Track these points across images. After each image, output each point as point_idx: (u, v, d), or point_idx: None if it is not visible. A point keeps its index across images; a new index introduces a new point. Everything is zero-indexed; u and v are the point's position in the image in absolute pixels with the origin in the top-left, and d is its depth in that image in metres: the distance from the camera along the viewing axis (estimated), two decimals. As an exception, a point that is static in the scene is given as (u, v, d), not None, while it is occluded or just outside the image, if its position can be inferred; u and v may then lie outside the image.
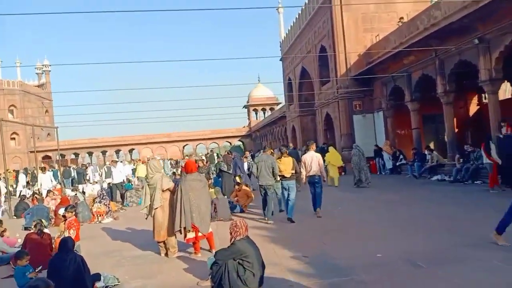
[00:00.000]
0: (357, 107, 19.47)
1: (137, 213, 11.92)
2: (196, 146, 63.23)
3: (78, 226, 7.18)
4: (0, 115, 50.87)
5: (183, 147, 62.91)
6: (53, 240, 6.59)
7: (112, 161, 18.81)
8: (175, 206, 6.12)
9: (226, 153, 16.39)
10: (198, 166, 13.59)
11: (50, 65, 59.98)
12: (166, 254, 6.32)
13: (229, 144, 63.07)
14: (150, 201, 6.34)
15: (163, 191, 6.27)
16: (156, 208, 6.21)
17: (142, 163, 20.96)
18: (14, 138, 53.08)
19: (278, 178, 8.50)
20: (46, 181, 16.77)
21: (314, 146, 9.12)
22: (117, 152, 60.73)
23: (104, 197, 11.78)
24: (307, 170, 8.63)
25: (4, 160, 14.16)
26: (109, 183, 17.91)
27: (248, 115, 63.86)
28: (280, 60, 32.14)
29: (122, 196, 14.14)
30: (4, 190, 15.69)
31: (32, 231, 6.87)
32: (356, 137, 18.88)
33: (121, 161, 31.29)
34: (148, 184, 6.42)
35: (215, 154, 25.62)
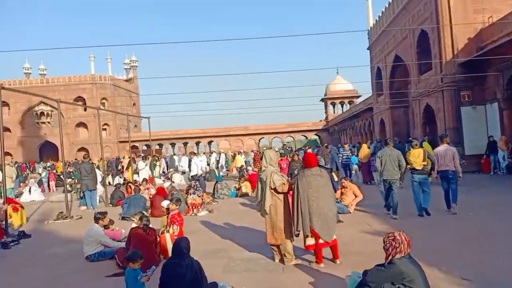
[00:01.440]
0: (465, 98, 17.19)
1: (231, 206, 11.48)
2: (272, 139, 62.96)
3: (182, 221, 6.65)
4: (94, 106, 55.17)
5: (259, 140, 63.04)
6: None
7: (191, 152, 18.74)
8: (292, 205, 5.25)
9: (324, 146, 15.36)
10: (292, 159, 12.73)
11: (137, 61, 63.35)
12: (281, 261, 5.49)
13: (305, 138, 61.90)
14: (261, 197, 5.54)
15: (272, 188, 5.41)
16: (267, 206, 5.38)
17: (238, 153, 20.70)
18: (105, 129, 56.87)
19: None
20: (143, 170, 17.07)
21: (447, 140, 8.56)
22: (197, 143, 62.56)
23: (198, 188, 11.41)
24: (440, 164, 8.14)
25: (102, 148, 14.55)
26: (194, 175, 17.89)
27: (326, 108, 62.15)
28: (368, 49, 30.13)
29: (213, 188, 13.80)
30: (100, 178, 16.25)
31: (136, 225, 6.49)
32: (464, 132, 16.71)
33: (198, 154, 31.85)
34: (260, 178, 5.62)
35: (289, 148, 24.78)
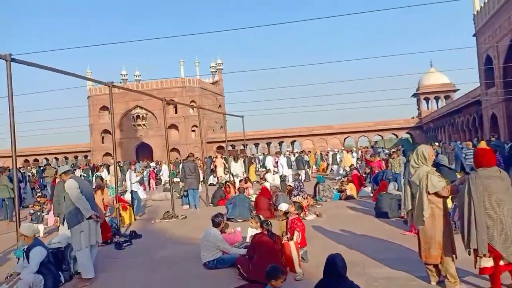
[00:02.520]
0: None
1: (337, 210, 10.51)
2: (358, 138, 60.38)
3: (304, 227, 5.90)
4: (184, 109, 57.76)
5: (344, 139, 60.84)
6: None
7: (276, 152, 18.02)
8: (460, 214, 4.18)
9: (442, 144, 13.76)
10: (391, 157, 11.40)
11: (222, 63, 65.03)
12: (440, 284, 4.45)
13: (394, 136, 58.30)
14: (412, 206, 4.55)
15: (429, 194, 4.38)
16: (426, 216, 4.36)
17: (347, 151, 19.65)
18: (194, 130, 59.17)
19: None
20: (238, 169, 16.86)
21: None
22: (280, 143, 62.27)
23: (302, 189, 10.68)
24: None
25: (203, 148, 14.55)
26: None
27: (418, 104, 57.99)
28: (474, 35, 26.98)
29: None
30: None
31: (258, 231, 5.89)
32: None
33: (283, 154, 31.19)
34: (408, 181, 4.63)
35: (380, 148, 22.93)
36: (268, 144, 61.39)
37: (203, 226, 9.48)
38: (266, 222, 5.35)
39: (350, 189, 12.49)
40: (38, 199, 15.07)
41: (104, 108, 56.81)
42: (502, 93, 23.00)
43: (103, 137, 57.53)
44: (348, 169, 17.54)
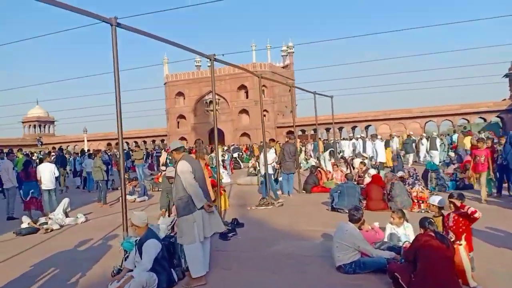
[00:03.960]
0: None
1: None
2: (441, 122, 55.75)
3: (469, 226, 4.57)
4: (255, 94, 57.30)
5: (425, 123, 56.52)
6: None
7: (372, 135, 16.27)
8: None
9: None
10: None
11: (293, 46, 63.40)
12: None
13: (482, 120, 52.98)
14: None
15: None
16: None
17: (465, 134, 17.35)
18: (264, 115, 58.39)
19: None
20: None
21: None
22: (353, 128, 59.62)
23: (417, 177, 9.22)
24: None
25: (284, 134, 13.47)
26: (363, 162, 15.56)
27: (511, 85, 52.02)
28: None
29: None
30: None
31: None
32: None
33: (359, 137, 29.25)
34: None
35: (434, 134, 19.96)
36: (340, 129, 58.99)
37: (305, 215, 8.64)
38: (429, 221, 4.12)
39: (469, 178, 10.70)
40: (129, 183, 15.23)
41: (179, 94, 58.24)
42: None
43: (178, 122, 59.12)
44: (453, 155, 15.52)
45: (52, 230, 8.57)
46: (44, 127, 71.14)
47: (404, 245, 4.91)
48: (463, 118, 54.86)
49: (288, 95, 63.32)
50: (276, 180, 11.91)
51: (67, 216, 9.43)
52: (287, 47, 64.30)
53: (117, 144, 54.06)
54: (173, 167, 6.56)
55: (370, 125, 59.76)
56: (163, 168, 16.19)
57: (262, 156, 11.06)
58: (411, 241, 5.10)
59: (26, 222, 8.77)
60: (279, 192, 11.29)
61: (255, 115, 56.98)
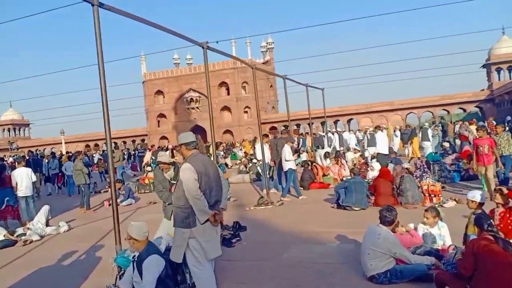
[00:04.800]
0: None
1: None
2: (422, 114, 56.33)
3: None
4: (236, 91, 56.51)
5: (406, 115, 57.01)
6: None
7: (377, 126, 15.91)
8: None
9: None
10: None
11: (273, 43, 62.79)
12: None
13: (462, 111, 53.69)
14: None
15: None
16: None
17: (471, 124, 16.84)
18: (246, 112, 57.92)
19: None
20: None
21: None
22: (335, 122, 59.56)
23: (425, 169, 8.72)
24: None
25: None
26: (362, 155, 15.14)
27: (488, 76, 52.95)
28: None
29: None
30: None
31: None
32: None
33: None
34: None
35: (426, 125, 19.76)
36: (323, 123, 58.84)
37: (311, 215, 7.96)
38: (489, 222, 3.53)
39: (473, 168, 10.29)
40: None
41: (159, 92, 56.85)
42: None
43: (158, 121, 57.77)
44: (447, 145, 15.20)
45: (31, 241, 7.69)
46: (19, 130, 68.54)
47: (441, 248, 4.35)
48: (443, 109, 55.52)
49: (269, 91, 62.85)
50: (272, 178, 11.28)
51: (47, 225, 8.56)
52: (267, 43, 63.59)
53: (95, 145, 52.27)
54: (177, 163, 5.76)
55: (352, 119, 59.87)
56: (148, 168, 15.36)
57: (258, 152, 10.41)
58: (447, 243, 4.56)
59: (1, 234, 7.86)
60: (272, 191, 10.65)
61: (237, 112, 56.20)
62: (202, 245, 3.76)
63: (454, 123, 23.89)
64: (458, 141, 17.16)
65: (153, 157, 16.90)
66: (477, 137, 9.03)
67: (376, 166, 9.87)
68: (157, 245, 4.31)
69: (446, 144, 15.33)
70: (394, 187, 7.96)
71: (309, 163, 12.07)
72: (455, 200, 7.74)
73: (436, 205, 7.50)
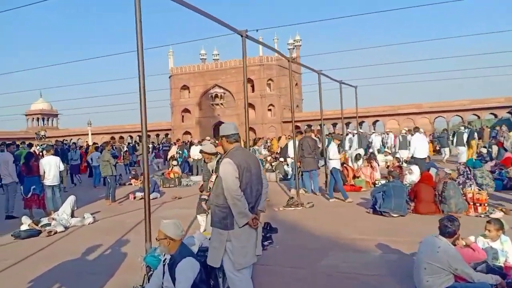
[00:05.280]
0: None
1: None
2: (451, 118, 54.61)
3: None
4: (261, 88, 56.10)
5: (434, 119, 55.37)
6: None
7: (415, 128, 15.08)
8: None
9: None
10: None
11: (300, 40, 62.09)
12: None
13: (493, 116, 51.73)
14: None
15: None
16: None
17: None
18: (270, 110, 57.53)
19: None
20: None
21: None
22: (360, 124, 58.42)
23: (468, 175, 8.14)
24: None
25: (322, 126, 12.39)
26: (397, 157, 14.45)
27: (523, 79, 50.80)
28: None
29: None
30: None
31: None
32: None
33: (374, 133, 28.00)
34: None
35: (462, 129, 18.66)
36: (347, 124, 57.83)
37: (345, 219, 7.45)
38: None
39: (520, 177, 9.62)
40: (137, 180, 14.18)
41: (184, 87, 57.08)
42: None
43: (183, 116, 58.02)
44: (484, 151, 14.41)
45: (55, 232, 7.54)
46: (48, 120, 70.27)
47: (505, 265, 3.86)
48: (473, 114, 53.74)
49: (294, 89, 62.25)
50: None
51: (72, 216, 8.42)
52: (294, 41, 62.95)
53: (120, 138, 52.69)
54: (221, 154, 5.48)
55: (378, 120, 58.63)
56: (174, 162, 15.19)
57: (290, 150, 9.98)
58: (510, 260, 4.06)
59: (26, 223, 7.75)
60: (293, 191, 10.24)
61: (261, 109, 55.86)
62: (238, 250, 3.41)
63: (490, 128, 22.83)
64: (495, 148, 16.30)
65: (180, 152, 16.76)
66: None
67: (415, 170, 9.31)
68: (189, 245, 3.98)
69: (484, 150, 14.55)
70: (436, 193, 7.42)
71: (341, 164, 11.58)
72: (502, 210, 7.15)
73: (482, 215, 6.97)
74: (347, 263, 4.91)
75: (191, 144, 18.39)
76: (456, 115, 54.96)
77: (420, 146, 10.79)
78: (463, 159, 16.31)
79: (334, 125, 57.62)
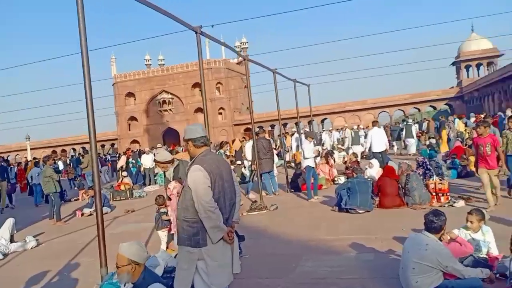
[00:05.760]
0: None
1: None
2: (393, 112, 57.22)
3: None
4: (210, 92, 55.38)
5: (378, 114, 57.76)
6: None
7: (373, 122, 15.09)
8: None
9: None
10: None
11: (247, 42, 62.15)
12: None
13: (432, 109, 54.88)
14: None
15: None
16: None
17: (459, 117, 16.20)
18: (221, 113, 57.00)
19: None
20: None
21: None
22: (310, 122, 59.50)
23: (428, 166, 8.22)
24: None
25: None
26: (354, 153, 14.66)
27: (458, 73, 54.38)
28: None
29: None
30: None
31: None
32: None
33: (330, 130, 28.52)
34: None
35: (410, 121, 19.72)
36: (296, 124, 58.66)
37: (312, 220, 7.14)
38: None
39: (471, 164, 9.92)
40: (85, 194, 13.09)
41: (129, 94, 55.04)
42: None
43: (129, 124, 55.90)
44: (433, 141, 14.90)
45: (-8, 261, 6.63)
46: (-20, 136, 64.86)
47: (488, 255, 3.74)
48: (414, 107, 56.57)
49: (243, 91, 62.13)
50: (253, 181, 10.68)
51: (12, 241, 7.47)
52: (241, 43, 62.86)
53: (63, 151, 49.70)
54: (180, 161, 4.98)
55: (326, 119, 60.00)
56: (123, 173, 14.30)
57: (247, 152, 9.63)
58: (493, 251, 3.95)
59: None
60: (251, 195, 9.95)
61: (211, 113, 55.09)
62: (213, 270, 2.97)
63: (436, 119, 23.90)
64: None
65: (132, 162, 15.84)
66: (477, 134, 7.20)
67: (375, 163, 9.30)
68: (153, 267, 3.48)
69: (433, 141, 15.06)
70: (400, 186, 7.38)
71: (298, 163, 11.42)
72: (463, 198, 7.24)
73: (446, 205, 7.00)
74: (325, 268, 4.61)
75: (142, 152, 17.49)
76: (399, 109, 57.55)
77: (377, 140, 10.87)
78: (412, 151, 16.86)
79: (285, 125, 58.24)
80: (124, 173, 14.21)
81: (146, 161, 14.83)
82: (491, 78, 41.73)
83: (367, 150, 11.00)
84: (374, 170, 9.03)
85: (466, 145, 12.08)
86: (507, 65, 37.49)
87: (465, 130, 15.67)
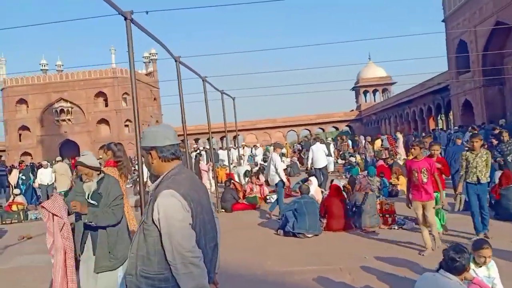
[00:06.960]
0: None
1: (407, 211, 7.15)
2: (300, 131, 59.95)
3: None
4: (116, 103, 51.82)
5: (287, 132, 60.00)
6: None
7: (315, 137, 14.84)
8: None
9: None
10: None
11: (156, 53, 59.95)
12: None
13: (335, 129, 58.61)
14: None
15: None
16: None
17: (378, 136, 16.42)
18: (127, 125, 53.67)
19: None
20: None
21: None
22: (222, 138, 59.35)
23: (370, 186, 7.91)
24: None
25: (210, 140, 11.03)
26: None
27: (357, 97, 59.04)
28: (443, 21, 26.45)
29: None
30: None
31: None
32: None
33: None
34: None
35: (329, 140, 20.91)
36: (197, 140, 57.93)
37: (257, 247, 6.31)
38: None
39: (401, 184, 10.03)
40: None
41: (21, 101, 48.91)
42: (481, 80, 22.45)
43: (20, 134, 49.54)
44: (353, 159, 15.18)
45: None
46: None
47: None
48: (319, 128, 59.82)
49: (153, 104, 59.43)
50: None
51: None
52: (150, 54, 60.39)
53: None
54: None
55: (238, 135, 60.03)
56: (16, 191, 11.93)
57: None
58: (499, 287, 3.47)
59: None
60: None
61: (116, 125, 51.46)
62: None
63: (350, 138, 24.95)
64: (358, 157, 17.53)
65: (22, 178, 13.33)
66: (411, 157, 6.17)
67: (314, 181, 8.82)
68: None
69: (352, 159, 15.35)
70: (351, 205, 6.91)
71: (230, 181, 10.51)
72: (409, 219, 7.02)
73: (396, 228, 6.70)
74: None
75: (39, 166, 14.98)
76: (305, 128, 60.46)
77: (318, 157, 10.54)
78: (331, 169, 17.11)
79: (196, 140, 56.95)
80: (17, 191, 11.84)
81: (45, 176, 12.63)
82: (388, 103, 45.78)
83: (309, 165, 10.60)
84: (312, 188, 8.53)
85: (387, 164, 12.37)
86: (402, 92, 41.48)
87: (380, 149, 16.33)
